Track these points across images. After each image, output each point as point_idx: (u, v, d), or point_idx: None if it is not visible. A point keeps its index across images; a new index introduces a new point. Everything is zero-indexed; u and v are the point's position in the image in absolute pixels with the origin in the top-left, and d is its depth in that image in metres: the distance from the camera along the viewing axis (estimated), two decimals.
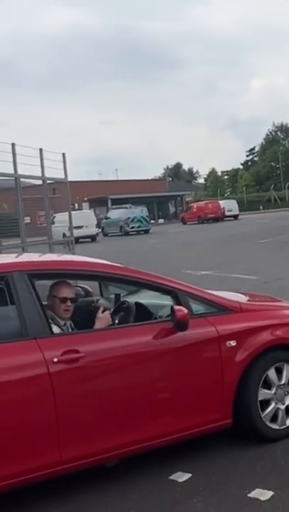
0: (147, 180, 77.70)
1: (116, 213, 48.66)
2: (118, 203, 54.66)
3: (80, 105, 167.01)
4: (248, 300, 5.57)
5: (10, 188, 13.07)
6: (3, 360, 4.12)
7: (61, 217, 42.31)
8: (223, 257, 21.04)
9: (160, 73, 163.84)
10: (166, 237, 37.65)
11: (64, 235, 41.14)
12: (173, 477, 4.56)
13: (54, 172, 14.42)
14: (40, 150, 13.03)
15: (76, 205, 59.16)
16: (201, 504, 4.15)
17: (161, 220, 65.74)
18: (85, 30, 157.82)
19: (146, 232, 45.62)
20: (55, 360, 4.17)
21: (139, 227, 46.05)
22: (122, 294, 5.72)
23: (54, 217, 42.66)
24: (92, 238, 42.61)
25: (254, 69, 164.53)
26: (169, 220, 65.62)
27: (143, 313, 5.03)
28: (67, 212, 44.31)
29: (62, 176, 14.31)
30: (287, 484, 4.28)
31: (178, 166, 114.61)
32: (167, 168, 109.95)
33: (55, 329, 4.66)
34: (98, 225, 47.09)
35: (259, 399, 4.90)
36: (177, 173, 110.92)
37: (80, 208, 56.08)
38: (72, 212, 44.54)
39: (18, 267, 4.48)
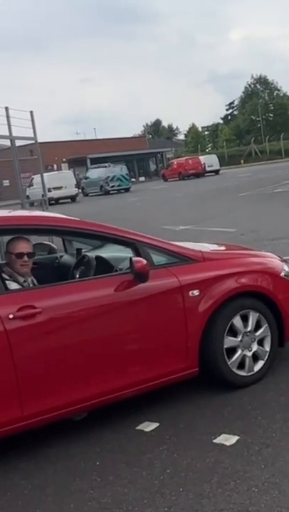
0: (127, 138, 76.86)
1: (95, 173, 48.26)
2: (98, 162, 54.14)
3: (57, 64, 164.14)
4: (214, 250, 5.52)
5: None
6: None
7: (39, 179, 42.26)
8: (203, 211, 20.98)
9: (137, 28, 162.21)
10: (147, 195, 37.46)
11: (42, 197, 41.31)
12: (140, 427, 4.58)
13: (26, 132, 14.16)
14: (6, 108, 12.69)
15: (55, 166, 58.75)
16: (167, 452, 4.16)
17: (142, 178, 65.41)
18: None
19: (127, 190, 45.38)
20: (11, 316, 4.11)
21: (119, 185, 45.76)
22: (84, 250, 5.68)
23: (32, 178, 42.64)
24: (72, 198, 42.39)
25: (232, 20, 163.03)
26: (150, 178, 65.27)
27: (104, 266, 4.98)
28: (46, 174, 44.03)
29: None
30: (253, 428, 4.31)
31: (157, 123, 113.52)
32: (147, 125, 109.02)
33: (14, 286, 4.61)
34: (78, 186, 46.76)
35: (225, 346, 4.90)
36: (157, 130, 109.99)
37: (59, 169, 55.64)
38: (51, 173, 44.90)
39: None
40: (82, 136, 78.51)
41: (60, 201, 41.64)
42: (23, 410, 4.18)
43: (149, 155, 71.29)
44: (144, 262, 4.51)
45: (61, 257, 5.93)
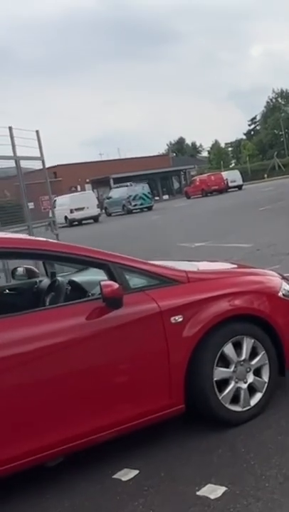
0: (150, 157, 76.46)
1: (117, 192, 47.83)
2: (121, 181, 53.76)
3: (81, 88, 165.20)
4: (203, 269, 4.89)
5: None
6: None
7: (62, 201, 42.28)
8: (220, 227, 20.34)
9: (159, 49, 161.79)
10: (168, 213, 36.86)
11: (66, 218, 41.13)
12: (117, 475, 3.97)
13: (36, 152, 13.78)
14: (10, 128, 12.28)
15: (79, 187, 58.70)
16: (142, 507, 3.55)
17: (165, 196, 64.86)
18: (81, 11, 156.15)
19: (150, 209, 44.82)
20: None
21: (141, 204, 45.22)
22: (64, 274, 5.12)
23: (55, 200, 42.55)
24: (95, 219, 42.03)
25: (252, 37, 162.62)
26: (174, 196, 64.70)
27: (77, 291, 4.41)
28: (68, 195, 43.83)
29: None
30: (243, 476, 3.67)
31: (181, 141, 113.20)
32: (170, 143, 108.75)
33: None
34: (101, 206, 46.41)
35: (215, 379, 4.27)
36: (181, 148, 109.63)
37: (83, 190, 55.51)
38: (73, 194, 44.72)
39: None
40: (106, 156, 78.27)
41: (83, 222, 41.35)
42: None
43: (173, 173, 70.81)
44: (116, 286, 3.93)
45: (40, 281, 5.37)
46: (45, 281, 5.29)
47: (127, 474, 3.95)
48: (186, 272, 4.45)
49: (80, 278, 4.72)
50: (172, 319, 4.14)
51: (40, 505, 3.78)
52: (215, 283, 4.55)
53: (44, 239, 4.51)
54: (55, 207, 41.07)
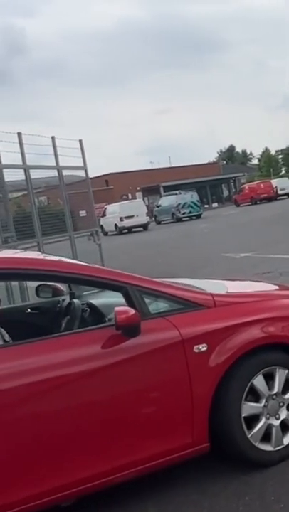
0: (200, 165, 75.76)
1: (167, 200, 47.34)
2: (171, 189, 53.27)
3: (134, 98, 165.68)
4: (233, 291, 4.40)
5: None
6: None
7: (112, 209, 42.14)
8: (268, 237, 19.64)
9: (209, 57, 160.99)
10: (216, 221, 36.20)
11: (116, 226, 40.97)
12: None
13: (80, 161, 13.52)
14: (53, 138, 11.99)
15: (130, 195, 58.55)
16: None
17: (215, 204, 64.01)
18: (132, 22, 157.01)
19: (199, 217, 44.15)
20: None
21: (190, 212, 44.59)
22: (85, 293, 4.72)
23: (105, 209, 42.45)
24: (144, 227, 41.67)
25: None
26: (223, 204, 63.74)
27: (94, 316, 4.00)
28: (118, 203, 43.77)
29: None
30: None
31: (231, 149, 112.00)
32: (220, 151, 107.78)
33: None
34: (150, 214, 46.07)
35: (243, 415, 3.79)
36: (231, 156, 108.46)
37: (133, 198, 55.33)
38: (123, 202, 44.64)
39: None
40: (157, 165, 77.88)
41: (133, 230, 41.09)
42: None
43: (222, 181, 69.88)
44: (131, 312, 3.49)
45: (63, 300, 4.97)
46: (68, 301, 4.90)
47: None
48: (213, 295, 3.97)
49: (98, 300, 4.31)
50: (195, 348, 3.68)
51: None
52: (245, 307, 4.06)
53: (57, 258, 4.10)
54: (105, 215, 41.39)
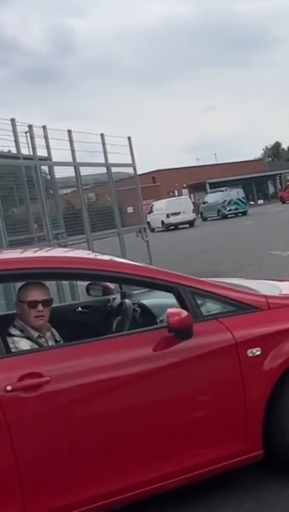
0: (245, 162, 74.93)
1: (213, 197, 46.97)
2: (217, 186, 52.78)
3: (181, 95, 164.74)
4: (287, 293, 4.19)
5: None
6: None
7: (159, 205, 42.02)
8: None
9: (256, 54, 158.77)
10: (262, 218, 35.68)
11: (162, 223, 40.86)
12: None
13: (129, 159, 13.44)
14: (102, 135, 11.92)
15: (176, 192, 58.31)
16: None
17: (260, 201, 63.17)
18: (178, 19, 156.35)
19: (244, 213, 43.65)
20: (9, 388, 3.07)
21: (236, 209, 44.14)
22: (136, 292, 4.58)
23: (152, 205, 42.32)
24: (190, 223, 41.42)
25: None
26: (269, 200, 62.83)
27: (145, 317, 3.86)
28: (164, 200, 43.66)
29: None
30: None
31: (277, 145, 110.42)
32: (266, 148, 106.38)
33: (24, 344, 3.56)
34: (196, 211, 45.76)
35: None
36: (276, 153, 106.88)
37: (180, 195, 55.10)
38: (170, 199, 44.53)
39: None
40: (203, 161, 77.27)
41: (179, 226, 40.90)
42: (26, 508, 3.11)
43: (268, 177, 68.89)
44: (184, 314, 3.33)
45: (114, 299, 4.84)
46: (118, 300, 4.78)
47: None
48: (266, 297, 3.78)
49: (148, 300, 4.16)
50: (249, 352, 3.50)
51: None
52: None
53: (109, 258, 3.97)
54: (152, 211, 41.27)
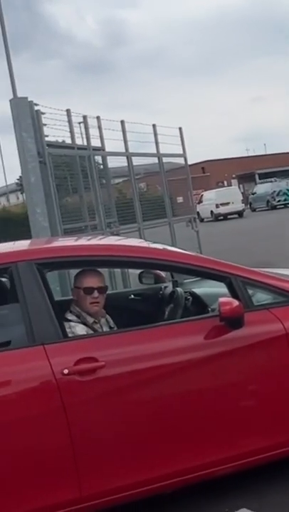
0: None
1: (262, 188, 46.35)
2: (266, 177, 52.14)
3: (231, 85, 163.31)
4: None
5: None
6: (1, 373, 3.17)
7: (208, 195, 41.79)
8: None
9: None
10: None
11: (212, 213, 40.66)
12: None
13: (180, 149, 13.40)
14: (154, 126, 11.89)
15: (225, 183, 57.87)
16: None
17: None
18: (228, 10, 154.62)
19: None
20: (66, 371, 3.14)
21: (285, 200, 43.41)
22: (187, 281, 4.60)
23: (202, 195, 42.12)
24: (239, 214, 41.09)
25: None
26: None
27: (197, 305, 3.88)
28: (214, 190, 43.29)
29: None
30: None
31: None
32: None
33: (80, 329, 3.63)
34: (246, 201, 45.34)
35: None
36: None
37: (229, 185, 54.66)
38: (219, 190, 44.20)
39: (24, 256, 3.45)
40: (252, 152, 76.33)
41: (228, 217, 40.61)
42: (82, 490, 3.17)
43: None
44: (235, 303, 3.34)
45: (166, 288, 4.87)
46: (170, 288, 4.81)
47: None
48: None
49: (200, 289, 4.18)
50: None
51: None
52: None
53: (162, 247, 4.00)
54: (201, 201, 41.09)
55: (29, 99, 7.57)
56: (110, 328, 3.85)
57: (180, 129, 13.10)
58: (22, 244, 4.10)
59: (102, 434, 3.23)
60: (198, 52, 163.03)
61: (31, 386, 3.15)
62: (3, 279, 3.71)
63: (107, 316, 3.90)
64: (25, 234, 8.55)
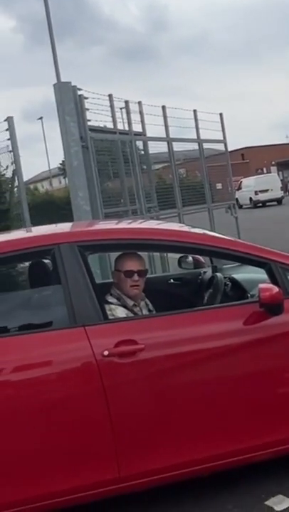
0: None
1: None
2: None
3: (273, 71, 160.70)
4: None
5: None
6: (42, 354, 3.19)
7: (247, 182, 41.34)
8: None
9: None
10: None
11: (250, 199, 40.24)
12: (270, 502, 3.33)
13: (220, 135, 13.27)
14: (194, 111, 11.78)
15: (264, 169, 57.15)
16: None
17: None
18: None
19: None
20: (106, 353, 3.13)
21: None
22: (227, 266, 4.55)
23: (241, 182, 41.70)
24: (278, 201, 40.56)
25: None
26: None
27: (236, 291, 3.84)
28: (253, 177, 42.77)
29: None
30: None
31: None
32: None
33: (120, 312, 3.62)
34: (284, 188, 44.71)
35: None
36: None
37: (268, 172, 53.99)
38: (258, 176, 43.66)
39: (66, 238, 3.44)
40: None
41: (267, 204, 40.14)
42: (120, 471, 3.18)
43: None
44: (275, 290, 3.27)
45: (205, 273, 4.83)
46: (209, 274, 4.76)
47: (281, 503, 3.30)
48: None
49: (239, 275, 4.13)
50: None
51: None
52: None
53: (202, 231, 3.96)
54: (240, 188, 40.66)
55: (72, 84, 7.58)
56: (149, 311, 3.84)
57: (221, 114, 12.97)
58: (64, 227, 4.11)
59: (140, 416, 3.22)
60: (241, 38, 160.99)
61: (72, 367, 3.16)
62: (46, 261, 3.72)
63: (147, 300, 3.88)
64: (68, 217, 8.58)
